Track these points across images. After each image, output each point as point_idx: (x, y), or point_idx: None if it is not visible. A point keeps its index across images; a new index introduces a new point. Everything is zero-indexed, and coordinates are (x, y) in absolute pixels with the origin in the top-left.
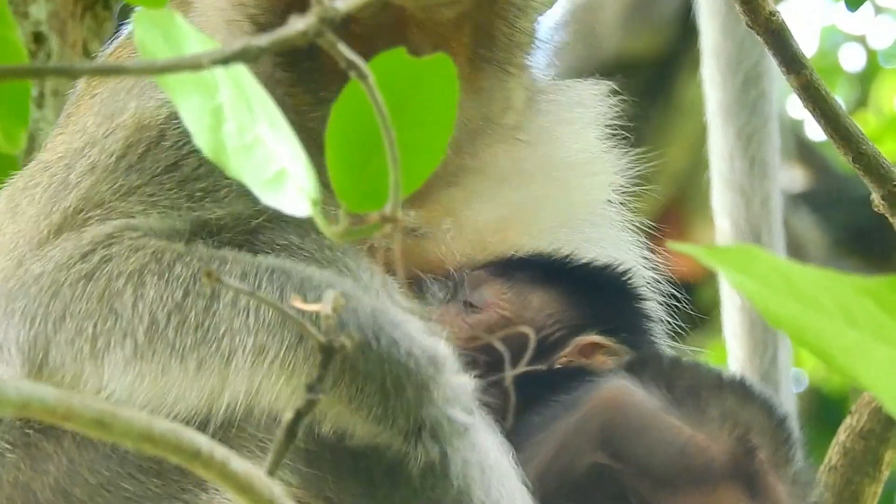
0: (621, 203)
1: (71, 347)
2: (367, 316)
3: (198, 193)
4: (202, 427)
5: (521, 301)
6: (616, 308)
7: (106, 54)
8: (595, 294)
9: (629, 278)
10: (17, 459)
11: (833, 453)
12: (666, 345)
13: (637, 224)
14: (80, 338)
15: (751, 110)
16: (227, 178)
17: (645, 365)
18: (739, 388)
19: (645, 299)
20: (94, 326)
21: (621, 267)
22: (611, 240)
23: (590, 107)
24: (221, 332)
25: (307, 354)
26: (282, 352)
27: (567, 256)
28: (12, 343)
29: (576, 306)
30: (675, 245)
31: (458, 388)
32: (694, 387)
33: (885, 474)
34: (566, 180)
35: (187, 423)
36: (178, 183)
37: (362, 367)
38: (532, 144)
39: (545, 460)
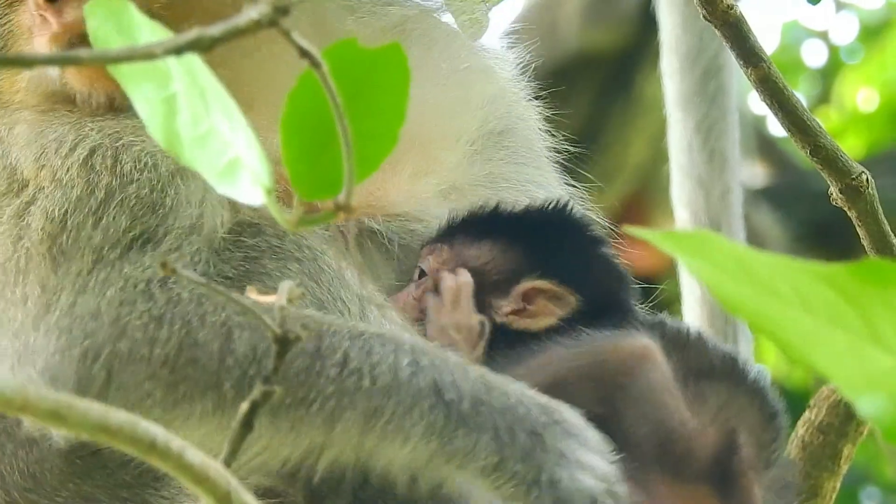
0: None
1: (138, 391)
2: (476, 377)
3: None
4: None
5: (459, 258)
6: (557, 248)
7: None
8: (535, 237)
9: (570, 213)
10: None
11: (792, 448)
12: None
13: (555, 151)
14: (151, 382)
15: (710, 102)
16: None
17: (664, 330)
18: (743, 380)
19: (590, 231)
20: (171, 373)
21: (560, 203)
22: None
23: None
24: (328, 392)
25: (420, 418)
26: (396, 414)
27: (503, 206)
28: (70, 378)
29: (513, 252)
30: (632, 230)
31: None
32: (705, 368)
33: (844, 468)
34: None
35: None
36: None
37: (475, 421)
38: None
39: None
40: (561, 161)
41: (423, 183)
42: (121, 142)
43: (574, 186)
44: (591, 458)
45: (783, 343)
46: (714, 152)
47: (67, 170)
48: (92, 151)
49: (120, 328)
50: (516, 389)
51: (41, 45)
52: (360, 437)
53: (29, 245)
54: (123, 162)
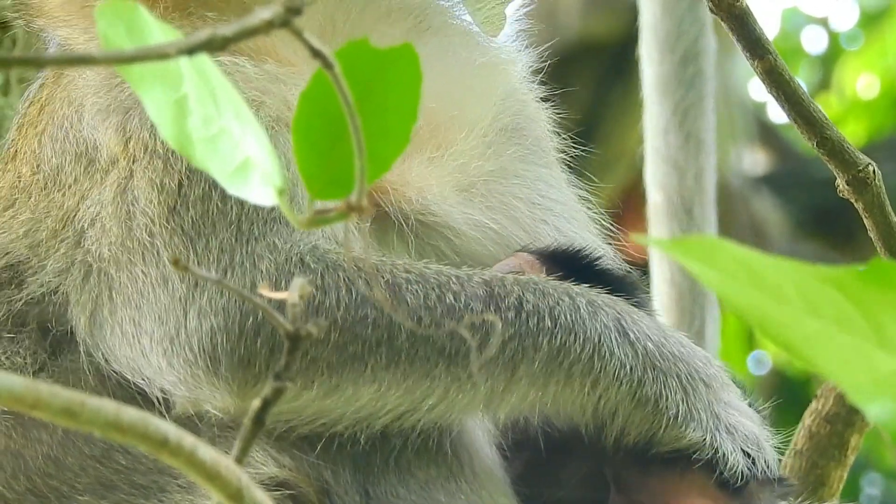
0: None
1: (303, 360)
2: (650, 321)
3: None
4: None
5: None
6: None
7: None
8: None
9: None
10: (10, 427)
11: (799, 437)
12: None
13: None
14: (318, 349)
15: (688, 86)
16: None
17: None
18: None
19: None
20: (340, 336)
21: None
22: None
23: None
24: (507, 335)
25: (609, 356)
26: (584, 352)
27: (588, 254)
28: (232, 357)
29: None
30: (635, 237)
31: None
32: None
33: (851, 458)
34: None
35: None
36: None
37: (661, 364)
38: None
39: (521, 425)
40: (567, 160)
41: (439, 168)
42: None
43: (578, 185)
44: (744, 406)
45: (789, 346)
46: (690, 135)
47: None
48: None
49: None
50: (684, 338)
51: None
52: (544, 378)
53: (147, 221)
54: None
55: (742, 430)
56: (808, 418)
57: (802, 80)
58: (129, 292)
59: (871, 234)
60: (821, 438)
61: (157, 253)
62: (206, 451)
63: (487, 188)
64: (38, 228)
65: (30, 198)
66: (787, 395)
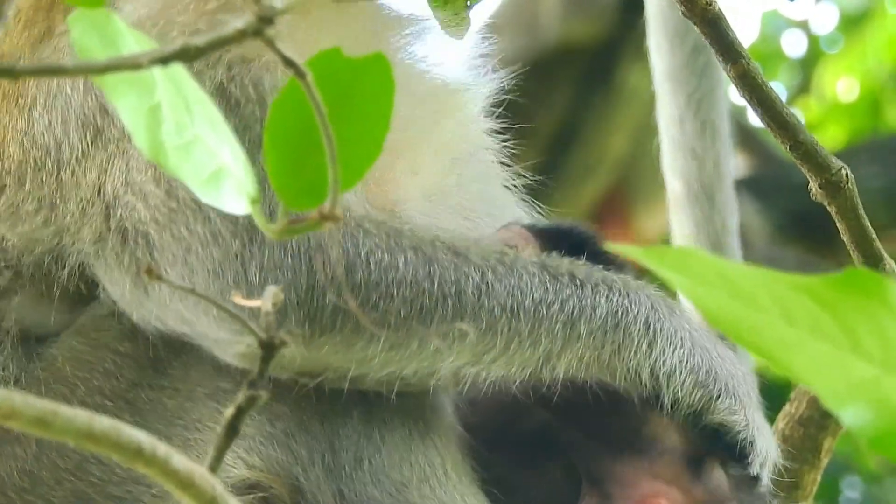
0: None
1: (370, 316)
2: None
3: None
4: None
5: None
6: None
7: None
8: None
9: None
10: None
11: None
12: None
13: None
14: (387, 302)
15: (700, 75)
16: None
17: None
18: None
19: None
20: (411, 291)
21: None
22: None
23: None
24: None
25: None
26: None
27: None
28: (301, 312)
29: None
30: (613, 246)
31: None
32: None
33: (825, 461)
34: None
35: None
36: None
37: (705, 342)
38: None
39: (490, 404)
40: (521, 188)
41: (412, 182)
42: (262, 60)
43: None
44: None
45: (765, 353)
46: (706, 123)
47: None
48: (229, 71)
49: (350, 260)
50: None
51: None
52: (602, 337)
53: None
54: (266, 87)
55: (766, 430)
56: (781, 421)
57: (782, 84)
58: (176, 251)
59: (844, 238)
60: (794, 441)
61: (202, 209)
62: (180, 460)
63: (450, 201)
64: (60, 213)
65: (24, 183)
66: (766, 398)
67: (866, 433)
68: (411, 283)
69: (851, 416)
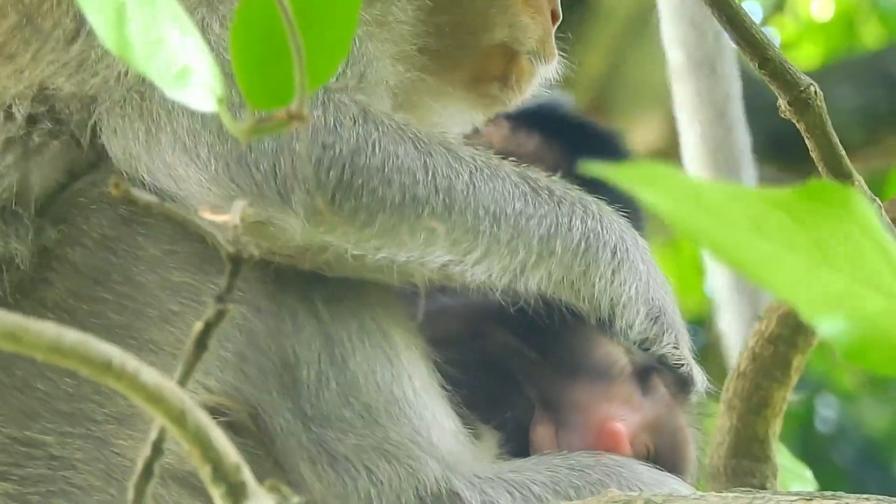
0: None
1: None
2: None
3: None
4: None
5: (515, 140)
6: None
7: None
8: (583, 148)
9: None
10: None
11: (742, 359)
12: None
13: None
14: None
15: None
16: None
17: None
18: None
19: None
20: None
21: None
22: None
23: None
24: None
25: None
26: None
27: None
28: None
29: (559, 153)
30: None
31: None
32: None
33: (794, 379)
34: None
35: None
36: None
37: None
38: None
39: (451, 321)
40: None
41: None
42: None
43: None
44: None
45: (741, 268)
46: None
47: None
48: None
49: (359, 144)
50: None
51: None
52: (573, 258)
53: (214, 38)
54: None
55: (697, 366)
56: (751, 340)
57: (758, 3)
58: (190, 114)
59: (813, 155)
60: (764, 360)
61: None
62: (150, 374)
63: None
64: (110, 64)
65: (29, 44)
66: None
67: (843, 344)
68: (408, 171)
69: (828, 326)
